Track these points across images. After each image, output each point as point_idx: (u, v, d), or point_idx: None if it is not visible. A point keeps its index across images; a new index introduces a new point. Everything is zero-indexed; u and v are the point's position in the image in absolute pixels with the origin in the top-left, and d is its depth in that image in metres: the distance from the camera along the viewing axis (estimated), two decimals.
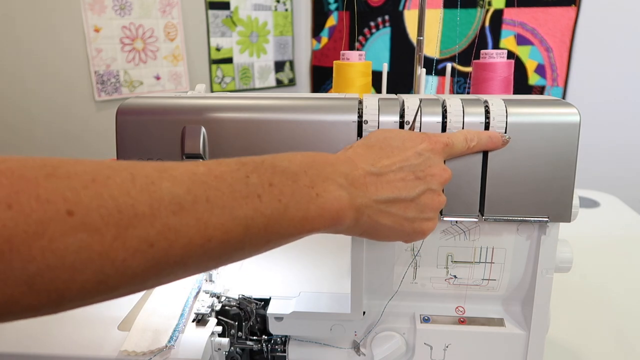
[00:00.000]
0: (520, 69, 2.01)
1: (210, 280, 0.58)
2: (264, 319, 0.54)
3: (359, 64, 0.57)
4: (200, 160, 0.31)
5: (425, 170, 0.39)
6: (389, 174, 0.37)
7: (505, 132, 0.42)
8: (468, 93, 0.54)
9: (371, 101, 0.44)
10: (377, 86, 0.62)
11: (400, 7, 2.34)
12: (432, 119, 0.43)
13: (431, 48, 2.11)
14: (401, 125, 0.43)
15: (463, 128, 0.43)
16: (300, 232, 0.32)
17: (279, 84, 2.74)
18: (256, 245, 0.31)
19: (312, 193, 0.32)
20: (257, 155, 0.33)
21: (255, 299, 0.55)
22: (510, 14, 2.01)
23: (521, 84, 2.02)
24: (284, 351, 0.54)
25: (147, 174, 0.27)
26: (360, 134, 0.43)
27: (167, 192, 0.27)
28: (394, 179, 0.37)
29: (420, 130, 0.43)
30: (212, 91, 2.34)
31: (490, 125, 0.42)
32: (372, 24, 2.45)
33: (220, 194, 0.29)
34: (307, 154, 0.35)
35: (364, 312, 0.51)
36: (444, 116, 0.43)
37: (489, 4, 2.04)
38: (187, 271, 0.28)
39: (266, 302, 0.54)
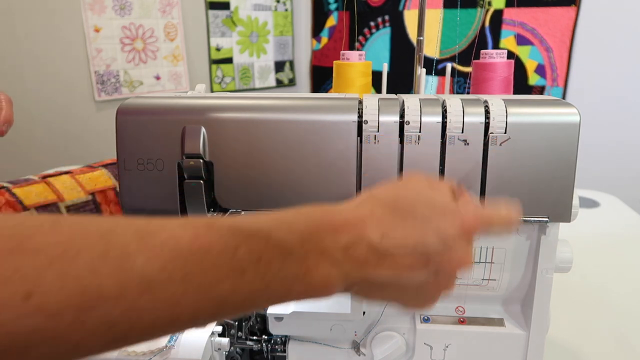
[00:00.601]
0: (520, 69, 2.01)
1: None
2: (264, 319, 0.54)
3: (359, 64, 0.57)
4: (192, 220, 0.29)
5: (441, 255, 0.33)
6: (395, 257, 0.32)
7: (505, 132, 0.42)
8: (468, 93, 0.54)
9: (371, 101, 0.44)
10: (377, 86, 0.62)
11: (400, 7, 2.34)
12: (432, 119, 0.43)
13: (431, 48, 2.11)
14: (401, 125, 0.43)
15: (463, 128, 0.43)
16: (278, 303, 0.30)
17: (279, 84, 2.74)
18: (228, 316, 0.29)
19: (302, 270, 0.30)
20: (253, 221, 0.30)
21: None
22: (510, 14, 2.01)
23: (521, 84, 2.02)
24: (284, 351, 0.54)
25: (124, 244, 0.25)
26: (360, 133, 0.43)
27: (139, 270, 0.25)
28: (399, 262, 0.32)
29: (420, 131, 0.43)
30: (212, 91, 2.34)
31: (490, 125, 0.43)
32: (372, 24, 2.45)
33: (198, 271, 0.26)
34: (314, 216, 0.32)
35: (364, 312, 0.52)
36: (444, 116, 0.43)
37: (489, 4, 2.04)
38: (148, 341, 0.27)
39: None
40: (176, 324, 0.26)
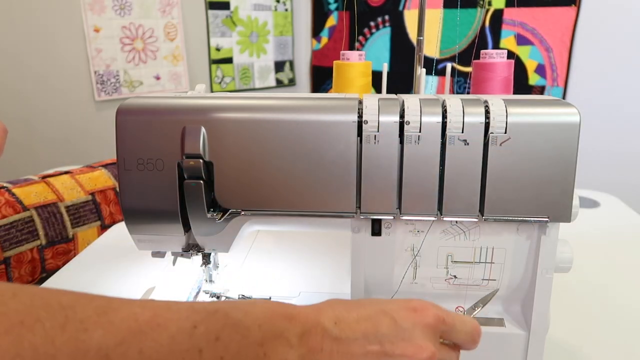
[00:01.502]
0: (520, 69, 2.01)
1: (210, 281, 0.58)
2: None
3: (359, 64, 0.57)
4: (152, 301, 0.29)
5: (394, 344, 0.33)
6: (350, 342, 0.32)
7: (505, 132, 0.42)
8: (468, 93, 0.54)
9: (371, 101, 0.44)
10: (377, 86, 0.62)
11: (400, 7, 2.34)
12: (432, 119, 0.43)
13: (431, 48, 2.11)
14: (401, 125, 0.43)
15: (463, 128, 0.43)
16: None
17: (279, 84, 2.74)
18: None
19: (260, 352, 0.30)
20: (211, 303, 0.31)
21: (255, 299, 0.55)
22: (510, 14, 2.01)
23: (521, 84, 2.02)
24: None
25: (83, 318, 0.25)
26: (360, 134, 0.43)
27: (95, 343, 0.25)
28: (356, 347, 0.32)
29: (420, 131, 0.43)
30: (212, 91, 2.34)
31: (490, 125, 0.42)
32: (372, 24, 2.45)
33: (156, 346, 0.27)
34: (269, 306, 0.33)
35: None
36: (444, 116, 0.43)
37: (489, 4, 2.04)
38: None
39: None
40: None
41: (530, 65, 2.00)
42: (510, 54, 0.56)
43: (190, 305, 0.30)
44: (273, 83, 2.71)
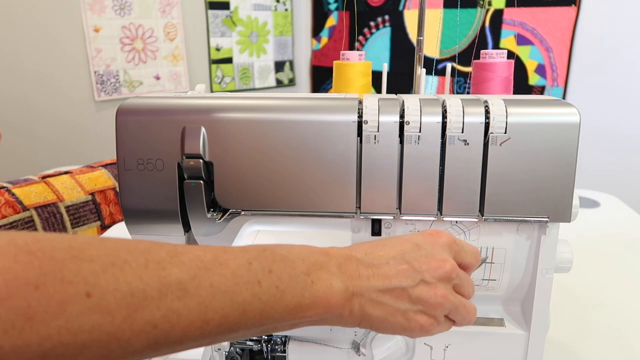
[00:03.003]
0: (520, 69, 2.01)
1: None
2: None
3: (359, 64, 0.57)
4: (210, 246, 0.34)
5: (420, 260, 0.38)
6: (382, 265, 0.38)
7: (505, 132, 0.42)
8: (468, 93, 0.54)
9: (371, 101, 0.44)
10: (377, 86, 0.62)
11: (400, 7, 2.34)
12: (432, 119, 0.43)
13: (431, 48, 2.11)
14: (401, 125, 0.43)
15: (463, 128, 0.43)
16: (293, 319, 0.34)
17: (279, 84, 2.74)
18: (250, 328, 0.32)
19: (308, 280, 0.34)
20: (257, 245, 0.36)
21: None
22: (510, 14, 2.01)
23: (521, 84, 2.02)
24: (284, 351, 0.54)
25: (159, 260, 0.30)
26: (360, 134, 0.43)
27: (174, 278, 0.29)
28: (387, 269, 0.37)
29: (420, 131, 0.43)
30: (212, 91, 2.34)
31: (490, 125, 0.42)
32: (372, 24, 2.45)
33: (223, 279, 0.31)
34: (306, 246, 0.37)
35: None
36: (444, 116, 0.43)
37: (489, 4, 2.05)
38: (183, 348, 0.31)
39: None
40: (206, 330, 0.30)
41: (530, 65, 2.00)
42: (510, 54, 0.56)
43: (242, 247, 0.34)
44: (273, 83, 2.71)
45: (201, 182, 0.45)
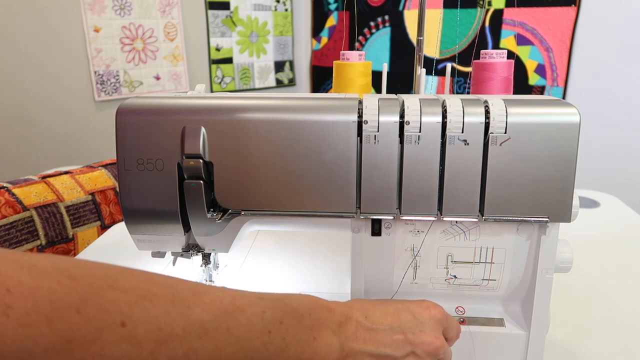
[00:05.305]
0: (520, 69, 2.01)
1: (210, 281, 0.58)
2: None
3: (359, 64, 0.57)
4: (225, 288, 0.35)
5: (415, 334, 0.41)
6: (379, 331, 0.40)
7: (505, 132, 0.42)
8: (468, 93, 0.54)
9: (371, 101, 0.44)
10: (377, 86, 0.62)
11: (400, 7, 2.34)
12: (432, 119, 0.43)
13: (431, 48, 2.11)
14: (401, 125, 0.43)
15: (463, 128, 0.43)
16: None
17: (279, 84, 2.74)
18: None
19: (311, 335, 0.36)
20: (271, 293, 0.37)
21: None
22: (510, 14, 2.01)
23: (521, 84, 2.02)
24: None
25: (184, 297, 0.30)
26: (360, 134, 0.43)
27: (197, 317, 0.30)
28: (384, 336, 0.40)
29: (420, 131, 0.43)
30: (212, 91, 2.34)
31: (490, 125, 0.42)
32: (372, 24, 2.45)
33: (238, 325, 0.32)
34: (312, 299, 0.39)
35: None
36: (444, 116, 0.43)
37: (489, 4, 2.05)
38: None
39: None
40: None
41: (530, 65, 2.00)
42: (510, 54, 0.56)
43: (257, 293, 0.36)
44: (273, 83, 2.71)
45: (201, 182, 0.45)
